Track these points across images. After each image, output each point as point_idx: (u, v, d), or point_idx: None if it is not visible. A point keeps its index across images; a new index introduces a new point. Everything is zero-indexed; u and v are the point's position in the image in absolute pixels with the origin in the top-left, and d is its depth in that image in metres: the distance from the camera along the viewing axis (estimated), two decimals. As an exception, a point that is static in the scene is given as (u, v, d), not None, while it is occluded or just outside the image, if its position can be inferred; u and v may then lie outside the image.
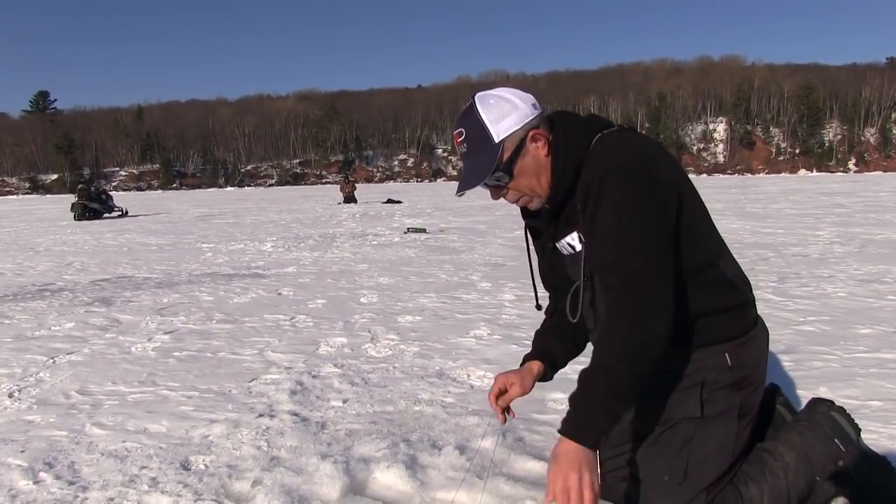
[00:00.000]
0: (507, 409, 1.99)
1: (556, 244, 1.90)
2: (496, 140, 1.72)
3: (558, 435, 1.60)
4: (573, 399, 1.61)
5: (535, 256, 2.06)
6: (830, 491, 1.83)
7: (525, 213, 1.94)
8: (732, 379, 1.77)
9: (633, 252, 1.60)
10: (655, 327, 1.58)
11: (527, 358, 2.05)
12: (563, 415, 1.63)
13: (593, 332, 1.90)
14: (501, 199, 1.84)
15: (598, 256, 1.68)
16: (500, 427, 2.13)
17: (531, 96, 1.78)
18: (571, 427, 1.58)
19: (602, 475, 2.03)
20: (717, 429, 1.77)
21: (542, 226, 1.90)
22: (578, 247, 1.81)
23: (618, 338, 1.59)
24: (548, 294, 2.11)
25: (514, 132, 1.72)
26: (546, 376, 2.05)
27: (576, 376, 1.63)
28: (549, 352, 2.04)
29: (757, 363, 1.84)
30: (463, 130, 1.76)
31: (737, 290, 1.81)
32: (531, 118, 1.74)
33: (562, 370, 2.07)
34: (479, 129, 1.73)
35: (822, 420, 1.84)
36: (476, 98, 1.78)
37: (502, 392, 1.97)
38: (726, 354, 1.76)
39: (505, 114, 1.73)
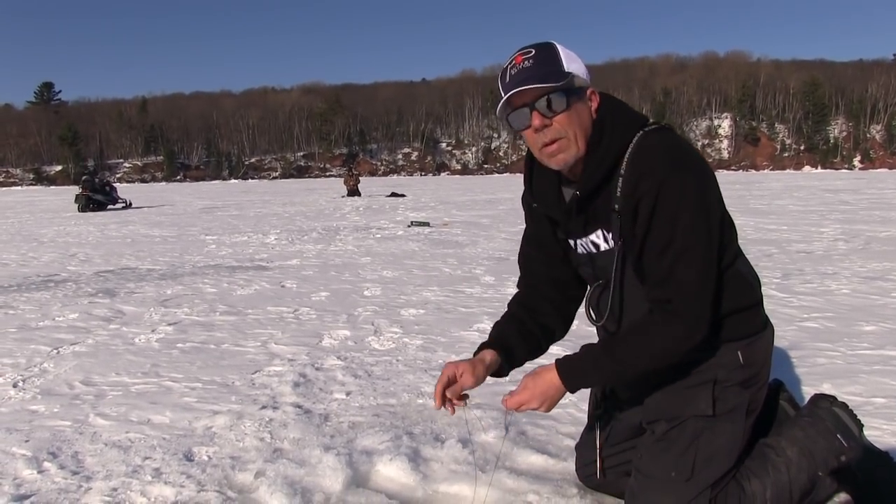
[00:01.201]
0: (464, 397, 1.86)
1: (574, 240, 1.88)
2: (566, 69, 1.68)
3: (553, 364, 1.76)
4: (586, 351, 1.75)
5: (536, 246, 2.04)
6: (833, 486, 1.83)
7: (538, 197, 1.90)
8: (743, 377, 1.78)
9: (688, 266, 1.64)
10: (688, 345, 1.68)
11: (482, 346, 1.94)
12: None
13: (614, 333, 1.87)
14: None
15: (651, 267, 1.70)
16: (465, 417, 2.10)
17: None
18: (567, 369, 1.75)
19: (602, 470, 2.05)
20: (726, 426, 1.78)
21: (559, 216, 1.86)
22: (603, 246, 1.81)
23: (653, 346, 1.69)
24: (519, 280, 2.08)
25: (581, 78, 1.71)
26: (500, 371, 1.92)
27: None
28: (506, 345, 1.93)
29: (765, 361, 1.85)
30: (533, 51, 1.70)
31: (752, 289, 1.83)
32: (587, 80, 1.73)
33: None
34: (552, 56, 1.69)
35: (825, 416, 1.85)
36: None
37: (451, 382, 1.83)
38: (739, 352, 1.77)
39: (576, 60, 1.71)
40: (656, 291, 1.69)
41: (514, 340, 1.94)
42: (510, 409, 1.78)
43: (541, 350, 2.01)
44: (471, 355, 1.92)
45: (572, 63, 1.69)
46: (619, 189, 1.71)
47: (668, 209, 1.64)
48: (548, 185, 1.87)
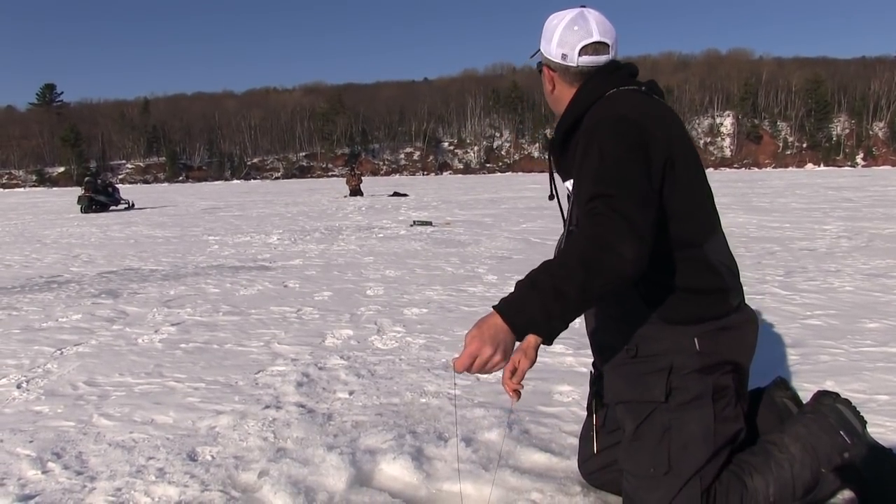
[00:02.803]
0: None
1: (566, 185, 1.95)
2: (540, 48, 1.96)
3: (492, 310, 1.61)
4: (519, 283, 1.61)
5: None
6: (836, 483, 1.83)
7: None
8: (701, 364, 1.77)
9: (615, 183, 1.62)
10: (624, 250, 1.54)
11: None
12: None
13: None
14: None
15: (583, 194, 1.69)
16: (511, 408, 2.11)
17: (598, 46, 1.86)
18: (506, 306, 1.58)
19: (598, 440, 2.05)
20: (693, 413, 1.78)
21: (553, 160, 1.99)
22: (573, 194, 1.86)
23: (584, 245, 1.58)
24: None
25: (545, 56, 1.94)
26: (546, 342, 2.02)
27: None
28: None
29: (732, 351, 1.82)
30: (554, 18, 1.92)
31: (717, 275, 1.81)
32: (556, 60, 1.89)
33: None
34: (546, 29, 1.93)
35: (828, 412, 1.84)
36: (574, 16, 1.87)
37: (513, 373, 1.91)
38: (695, 339, 1.77)
39: (552, 40, 1.89)
40: (588, 206, 1.63)
41: None
42: (460, 370, 1.59)
43: None
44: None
45: (545, 42, 1.92)
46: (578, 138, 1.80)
47: (597, 143, 1.69)
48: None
